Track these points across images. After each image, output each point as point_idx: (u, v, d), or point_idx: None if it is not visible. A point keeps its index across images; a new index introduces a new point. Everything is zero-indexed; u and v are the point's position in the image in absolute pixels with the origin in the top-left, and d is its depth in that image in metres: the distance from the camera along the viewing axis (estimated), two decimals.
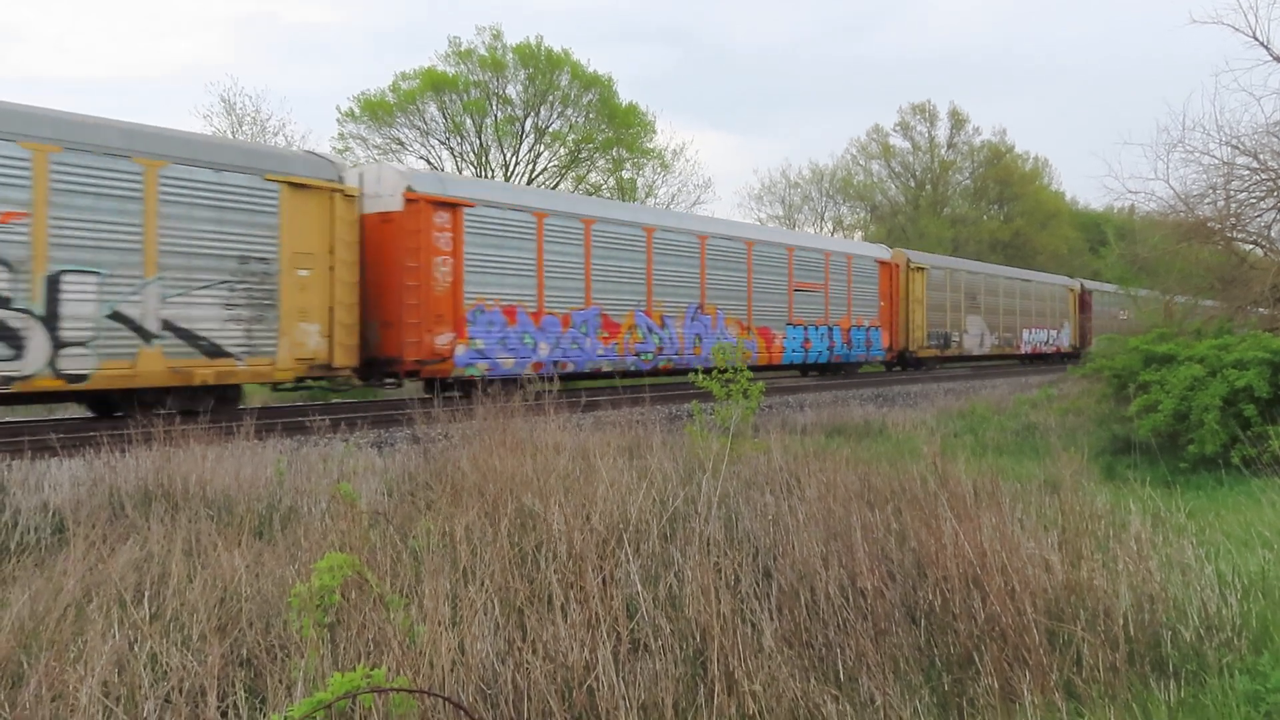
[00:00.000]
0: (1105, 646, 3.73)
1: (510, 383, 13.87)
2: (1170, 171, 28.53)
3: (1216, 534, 5.82)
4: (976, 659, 3.70)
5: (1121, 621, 3.87)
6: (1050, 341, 36.88)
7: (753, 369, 15.38)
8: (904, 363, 28.69)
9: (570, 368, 16.58)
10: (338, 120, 34.33)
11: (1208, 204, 15.15)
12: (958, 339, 30.04)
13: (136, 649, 3.58)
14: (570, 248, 16.92)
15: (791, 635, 3.86)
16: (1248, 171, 14.55)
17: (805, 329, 23.01)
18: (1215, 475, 9.48)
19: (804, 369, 24.64)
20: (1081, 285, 40.03)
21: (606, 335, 17.33)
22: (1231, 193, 14.81)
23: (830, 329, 24.04)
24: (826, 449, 8.47)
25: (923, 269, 28.35)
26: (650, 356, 18.27)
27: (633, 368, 17.90)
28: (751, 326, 20.95)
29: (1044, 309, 36.65)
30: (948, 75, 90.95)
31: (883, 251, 27.41)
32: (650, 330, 18.41)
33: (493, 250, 15.47)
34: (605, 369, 17.32)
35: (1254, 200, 14.66)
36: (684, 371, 17.53)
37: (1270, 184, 14.31)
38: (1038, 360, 36.72)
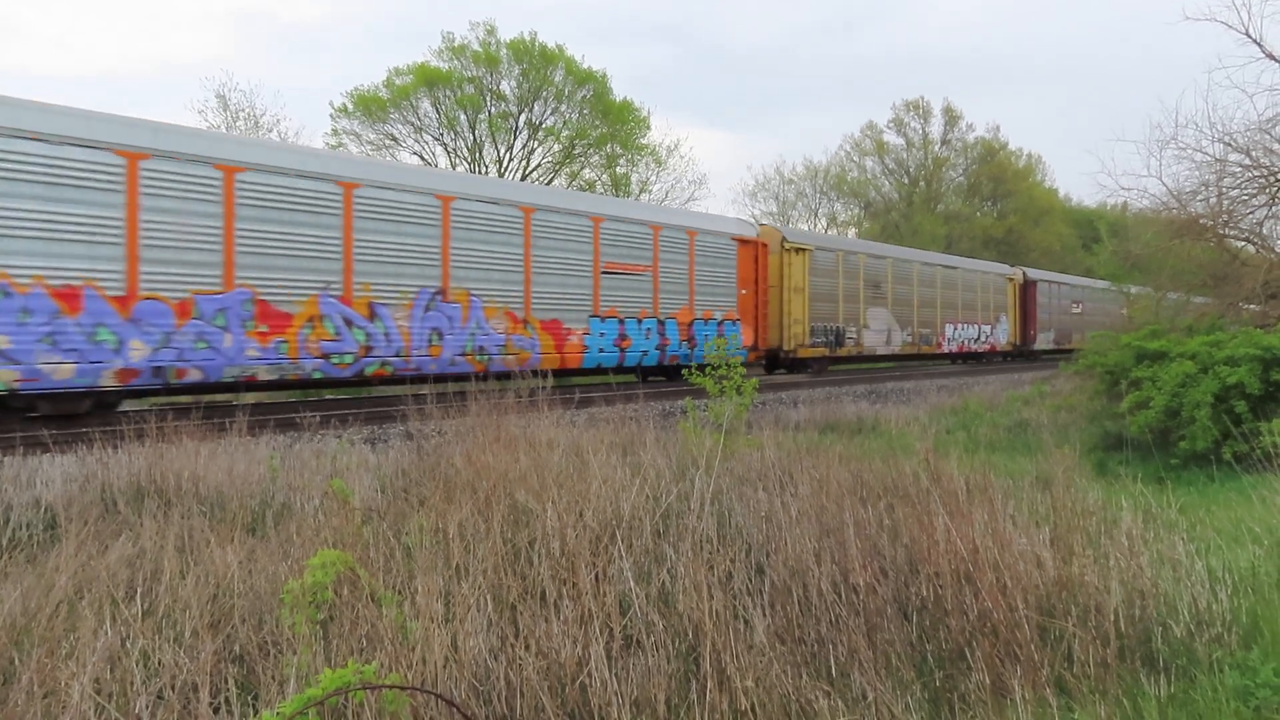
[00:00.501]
0: (1096, 642, 3.75)
1: (74, 399, 11.02)
2: (1163, 168, 28.56)
3: (1208, 530, 5.84)
4: (968, 654, 3.71)
5: (1112, 617, 3.88)
6: (983, 338, 32.51)
7: (536, 374, 13.95)
8: (777, 364, 23.78)
9: (195, 375, 11.82)
10: (331, 116, 34.26)
11: (1200, 201, 15.21)
12: (855, 335, 25.15)
13: (129, 645, 3.57)
14: (197, 205, 11.85)
15: (784, 631, 3.86)
16: (1240, 169, 14.61)
17: (621, 323, 17.83)
18: (1207, 471, 9.52)
19: (624, 373, 19.09)
20: (1024, 274, 35.93)
21: (266, 330, 12.49)
22: (1224, 190, 14.87)
23: (661, 323, 18.79)
24: (819, 445, 8.49)
25: (804, 250, 23.34)
26: (349, 360, 13.39)
27: (317, 374, 13.12)
28: (530, 319, 16.02)
29: (974, 301, 32.06)
30: (942, 72, 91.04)
31: (743, 227, 22.20)
32: (350, 324, 13.47)
33: (34, 206, 10.53)
34: (265, 376, 12.60)
35: (1246, 197, 14.72)
36: (418, 380, 14.39)
37: (1262, 181, 14.36)
38: (969, 360, 33.18)
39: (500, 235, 15.68)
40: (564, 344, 16.76)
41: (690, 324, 19.59)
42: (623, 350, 17.92)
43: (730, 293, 20.88)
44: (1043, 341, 36.03)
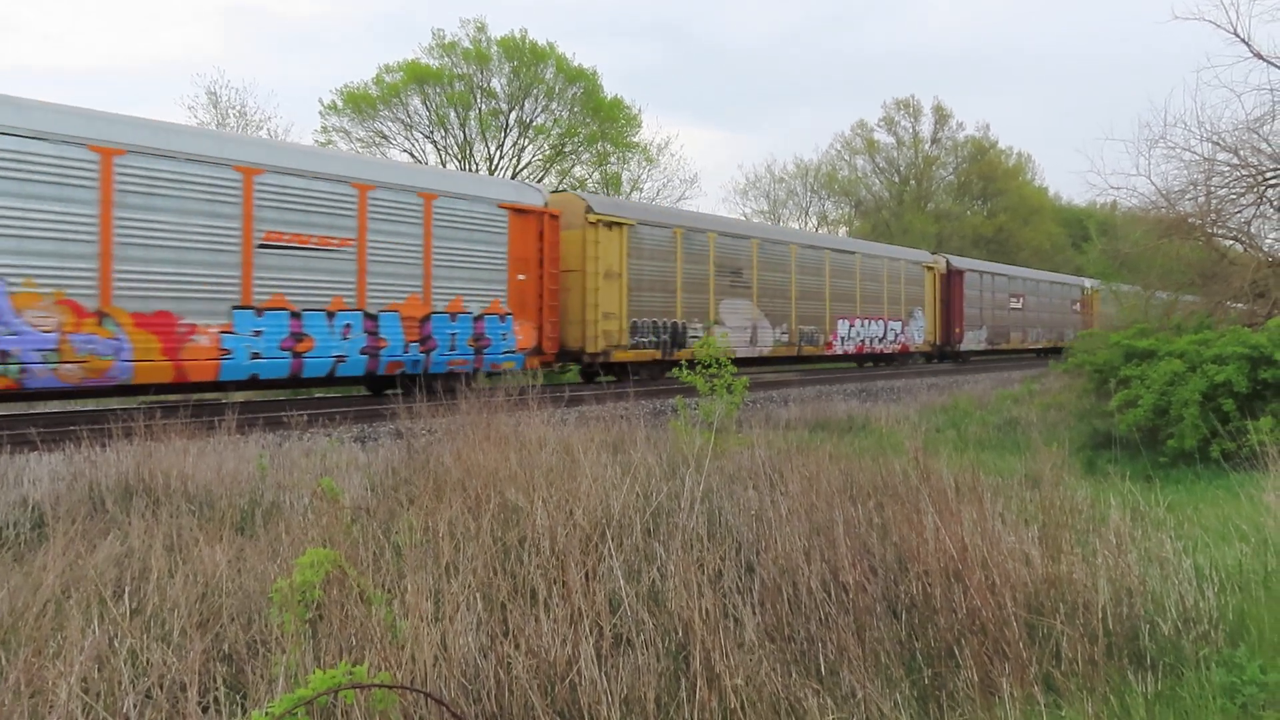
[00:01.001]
0: (1084, 640, 3.76)
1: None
2: (1152, 167, 28.64)
3: (1195, 528, 5.88)
4: (957, 652, 3.72)
5: (1100, 615, 3.90)
6: (891, 337, 27.65)
7: (133, 389, 11.45)
8: (584, 370, 18.98)
9: None
10: (320, 113, 34.23)
11: (1189, 200, 15.27)
12: (700, 333, 20.13)
13: (116, 645, 3.56)
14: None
15: (774, 629, 3.87)
16: (1228, 168, 14.67)
17: (296, 317, 12.89)
18: (1194, 470, 9.57)
19: (306, 384, 15.10)
20: (947, 262, 31.29)
21: None
22: (1212, 189, 14.93)
23: (372, 318, 13.83)
24: (810, 444, 8.50)
25: (620, 225, 18.40)
26: None
27: None
28: (111, 310, 11.04)
29: (880, 293, 27.14)
30: (932, 70, 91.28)
31: (521, 192, 17.14)
32: None
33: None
34: None
35: (1234, 196, 14.78)
36: None
37: (1250, 180, 14.42)
38: (876, 363, 28.57)
39: (51, 188, 10.58)
40: (180, 347, 11.69)
41: (424, 319, 14.63)
42: (299, 355, 12.91)
43: (499, 278, 15.86)
44: (971, 341, 31.72)
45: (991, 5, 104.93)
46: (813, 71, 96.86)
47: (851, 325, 25.89)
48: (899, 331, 28.17)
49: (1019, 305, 35.11)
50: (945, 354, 31.44)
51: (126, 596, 4.07)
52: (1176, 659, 3.86)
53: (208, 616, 3.98)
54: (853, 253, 26.45)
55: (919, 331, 29.24)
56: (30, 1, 63.41)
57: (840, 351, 25.53)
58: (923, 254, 31.30)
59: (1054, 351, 32.99)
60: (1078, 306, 38.71)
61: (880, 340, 27.30)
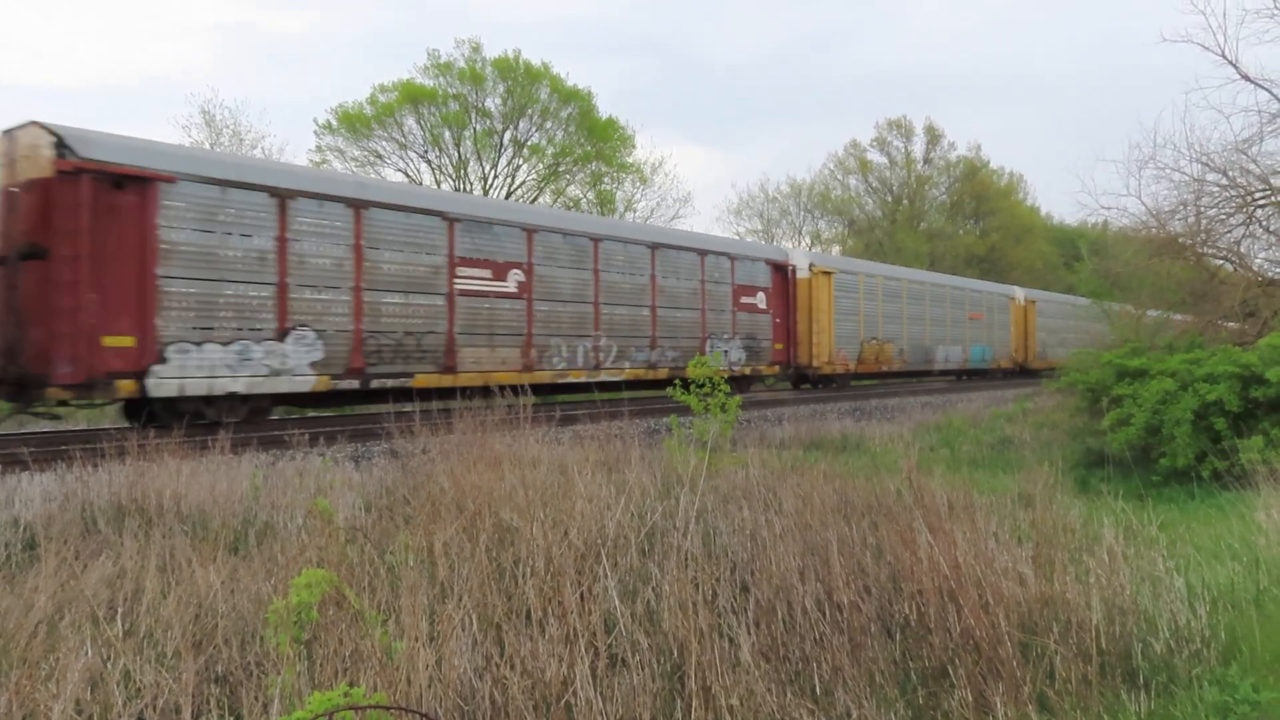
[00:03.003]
0: (1077, 658, 3.78)
1: None
2: (1142, 188, 28.84)
3: (1187, 547, 5.90)
4: (951, 672, 3.73)
5: (1093, 634, 3.91)
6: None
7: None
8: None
9: None
10: (315, 132, 34.23)
11: (1179, 220, 15.38)
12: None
13: (110, 666, 3.55)
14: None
15: (768, 649, 3.87)
16: (1217, 188, 14.80)
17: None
18: (1186, 488, 9.60)
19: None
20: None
21: None
22: (1202, 209, 15.05)
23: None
24: (804, 463, 8.52)
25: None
26: None
27: None
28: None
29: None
30: (924, 89, 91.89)
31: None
32: None
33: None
34: None
35: (1224, 216, 14.90)
36: None
37: (1239, 200, 14.54)
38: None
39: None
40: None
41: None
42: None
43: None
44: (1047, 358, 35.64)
45: (981, 26, 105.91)
46: (804, 90, 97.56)
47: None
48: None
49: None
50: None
51: (119, 617, 4.06)
52: (1169, 678, 3.87)
53: (201, 637, 3.97)
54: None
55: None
56: (21, 18, 63.59)
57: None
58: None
59: None
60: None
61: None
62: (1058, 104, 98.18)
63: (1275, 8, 14.14)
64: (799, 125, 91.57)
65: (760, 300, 22.54)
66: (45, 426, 13.76)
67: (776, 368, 23.13)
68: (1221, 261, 15.75)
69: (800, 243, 52.35)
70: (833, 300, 24.71)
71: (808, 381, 25.61)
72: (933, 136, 54.22)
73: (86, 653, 3.60)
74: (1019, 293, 36.30)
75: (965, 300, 31.66)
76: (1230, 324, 14.81)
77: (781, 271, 23.36)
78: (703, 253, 20.96)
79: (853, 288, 25.78)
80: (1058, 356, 30.33)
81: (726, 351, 21.15)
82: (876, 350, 26.78)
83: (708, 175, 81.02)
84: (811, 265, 24.39)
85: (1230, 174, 14.57)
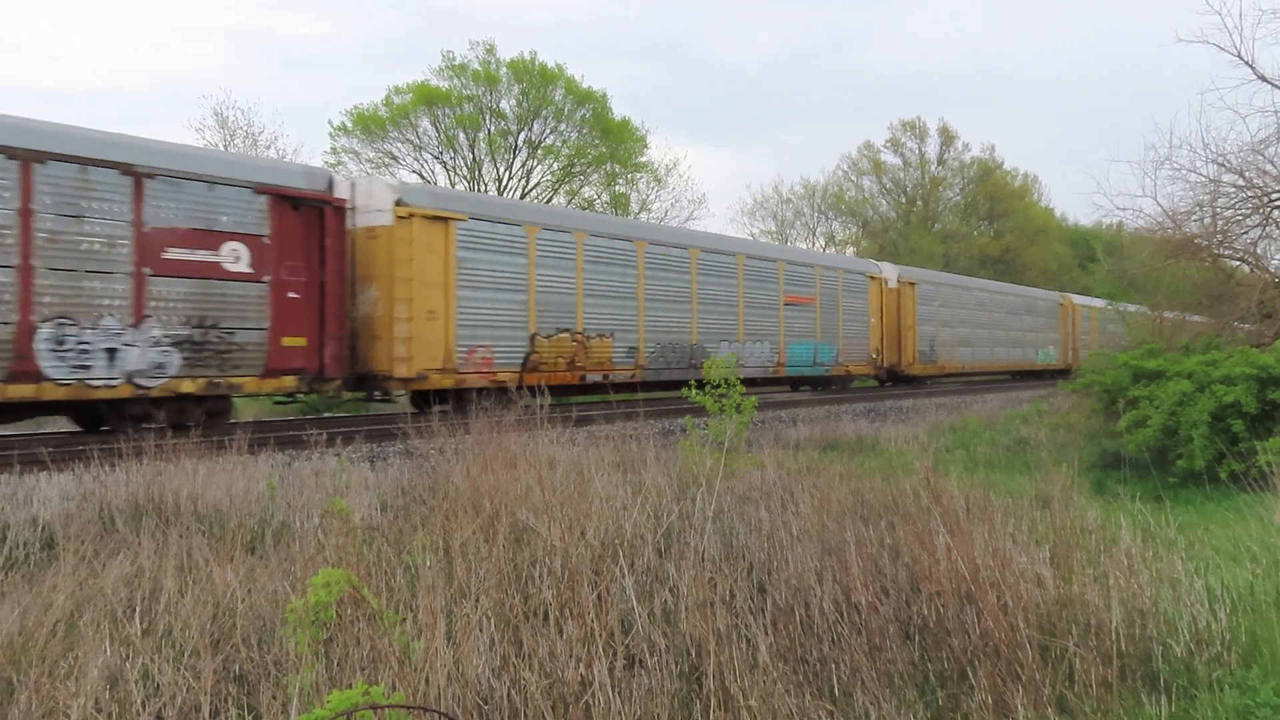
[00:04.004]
0: (1097, 661, 3.75)
1: None
2: (1158, 188, 28.62)
3: (1205, 549, 5.85)
4: (970, 674, 3.71)
5: (1113, 636, 3.89)
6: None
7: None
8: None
9: None
10: (330, 134, 34.38)
11: (1195, 221, 15.28)
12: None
13: (129, 665, 3.57)
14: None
15: (786, 651, 3.86)
16: (1234, 189, 14.69)
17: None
18: (1204, 490, 9.53)
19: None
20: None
21: None
22: (1218, 210, 14.95)
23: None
24: (820, 464, 8.50)
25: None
26: None
27: None
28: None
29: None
30: (937, 90, 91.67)
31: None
32: None
33: None
34: None
35: (1240, 217, 14.80)
36: None
37: (1256, 201, 14.44)
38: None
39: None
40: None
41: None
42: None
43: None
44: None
45: (995, 27, 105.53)
46: (816, 91, 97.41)
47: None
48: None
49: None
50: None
51: (137, 616, 4.08)
52: (1190, 681, 3.84)
53: (219, 637, 3.98)
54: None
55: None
56: (37, 24, 64.07)
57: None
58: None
59: None
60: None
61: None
62: (1072, 105, 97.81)
63: None
64: (811, 126, 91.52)
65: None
66: (62, 427, 13.87)
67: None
68: (1238, 263, 15.64)
69: (814, 243, 52.25)
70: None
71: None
72: (946, 137, 54.08)
73: (105, 651, 3.62)
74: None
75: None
76: (1247, 325, 14.70)
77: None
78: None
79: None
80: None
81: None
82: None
83: (721, 176, 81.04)
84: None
85: (1247, 175, 14.47)
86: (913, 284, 27.63)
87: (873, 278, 25.90)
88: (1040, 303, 36.43)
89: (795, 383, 24.35)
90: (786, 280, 22.23)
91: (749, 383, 18.90)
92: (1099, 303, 37.45)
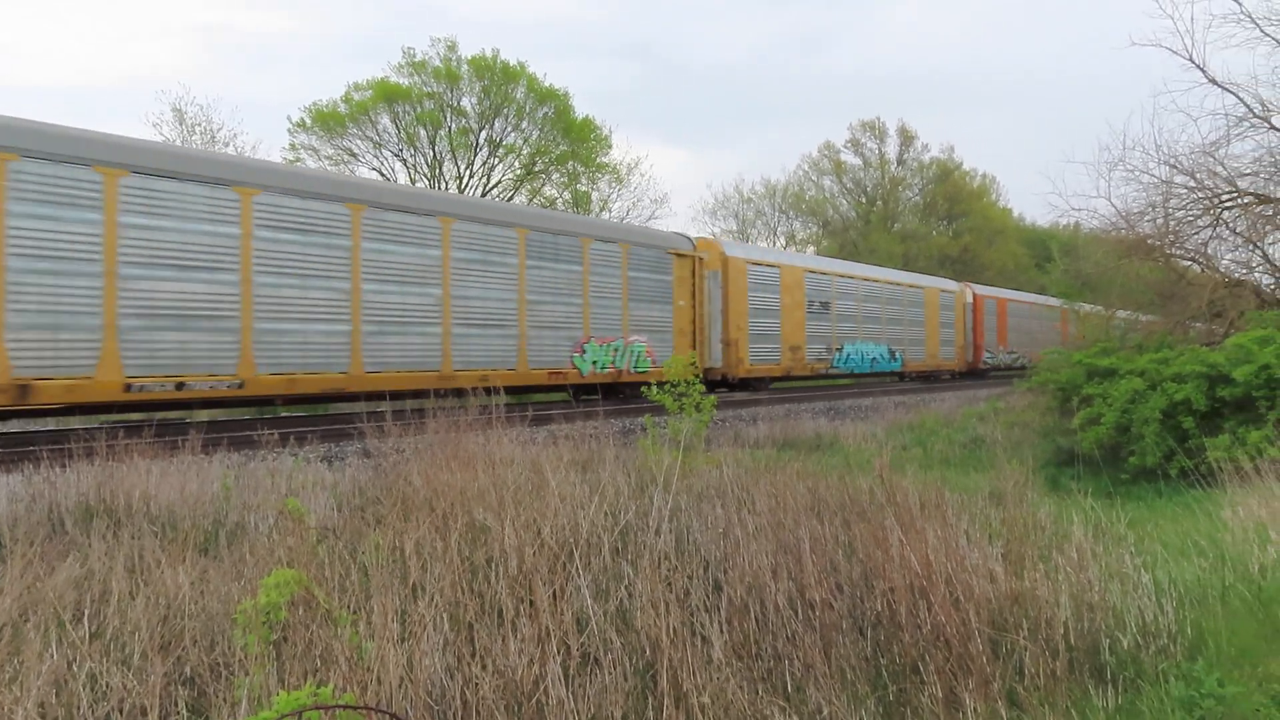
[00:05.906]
0: (1046, 654, 3.81)
1: None
2: (1112, 189, 29.19)
3: (1154, 544, 5.96)
4: (921, 668, 3.75)
5: (1062, 630, 3.95)
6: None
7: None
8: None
9: None
10: (289, 130, 33.97)
11: (1148, 221, 15.54)
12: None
13: (75, 669, 3.50)
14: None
15: (741, 647, 3.88)
16: (1185, 190, 14.97)
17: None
18: (1155, 486, 9.71)
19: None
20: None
21: None
22: (1170, 211, 15.21)
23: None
24: (778, 462, 8.54)
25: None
26: None
27: None
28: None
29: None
30: (898, 91, 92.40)
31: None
32: None
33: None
34: None
35: (1191, 218, 15.07)
36: None
37: (1206, 203, 14.72)
38: None
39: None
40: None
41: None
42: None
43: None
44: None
45: (956, 29, 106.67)
46: (780, 92, 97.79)
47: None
48: None
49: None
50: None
51: (86, 619, 4.01)
52: (1136, 673, 3.91)
53: (170, 639, 3.92)
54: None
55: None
56: (7, 23, 62.67)
57: None
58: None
59: None
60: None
61: None
62: (1030, 107, 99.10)
63: (1241, 13, 14.33)
64: (774, 127, 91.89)
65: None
66: (13, 426, 13.58)
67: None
68: (1190, 263, 15.93)
69: (774, 243, 52.49)
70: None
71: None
72: (906, 138, 54.61)
73: (52, 655, 3.55)
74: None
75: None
76: (1198, 324, 14.99)
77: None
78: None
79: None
80: None
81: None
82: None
83: (684, 176, 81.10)
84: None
85: (1198, 176, 14.75)
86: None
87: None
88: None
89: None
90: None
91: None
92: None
